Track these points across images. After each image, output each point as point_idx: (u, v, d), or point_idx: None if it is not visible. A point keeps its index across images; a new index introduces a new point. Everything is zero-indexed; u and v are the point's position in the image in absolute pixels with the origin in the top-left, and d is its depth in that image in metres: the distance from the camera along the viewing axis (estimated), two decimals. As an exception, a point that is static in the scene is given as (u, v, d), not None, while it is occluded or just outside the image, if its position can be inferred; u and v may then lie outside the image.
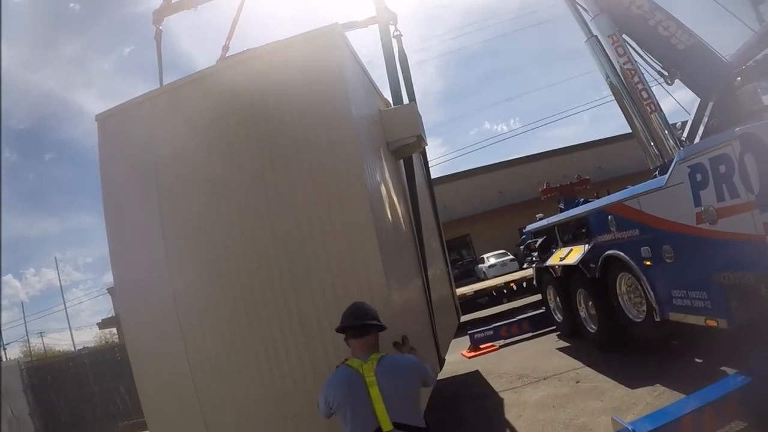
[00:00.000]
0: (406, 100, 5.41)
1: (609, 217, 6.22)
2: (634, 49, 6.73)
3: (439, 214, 8.03)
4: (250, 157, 3.84)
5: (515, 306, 13.00)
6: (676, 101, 7.06)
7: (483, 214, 27.44)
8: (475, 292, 13.57)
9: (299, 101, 3.76)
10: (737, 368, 4.31)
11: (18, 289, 74.81)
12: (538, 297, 10.51)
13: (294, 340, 3.66)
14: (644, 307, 5.91)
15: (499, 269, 21.97)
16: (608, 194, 6.93)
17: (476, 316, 12.91)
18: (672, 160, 5.15)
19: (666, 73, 6.65)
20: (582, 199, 8.71)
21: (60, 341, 50.06)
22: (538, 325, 9.79)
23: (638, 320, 6.15)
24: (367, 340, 2.83)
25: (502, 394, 6.59)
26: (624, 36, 6.69)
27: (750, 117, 5.41)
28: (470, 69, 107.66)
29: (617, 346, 6.86)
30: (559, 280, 8.48)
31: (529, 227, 9.74)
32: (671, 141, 6.29)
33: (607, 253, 6.34)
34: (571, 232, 7.89)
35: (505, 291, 13.25)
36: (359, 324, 2.84)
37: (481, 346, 9.65)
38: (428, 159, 7.66)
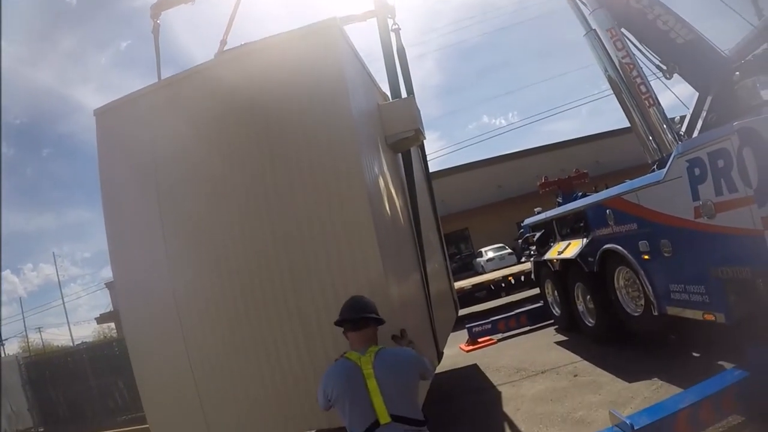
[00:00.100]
0: (404, 94, 5.38)
1: (607, 211, 6.22)
2: (632, 43, 6.71)
3: (437, 208, 8.03)
4: (250, 156, 3.83)
5: (513, 300, 13.05)
6: (675, 95, 7.07)
7: (481, 207, 27.44)
8: (473, 285, 13.62)
9: (299, 99, 3.74)
10: (734, 362, 4.34)
11: (16, 285, 74.93)
12: (536, 291, 10.55)
13: (294, 339, 3.67)
14: (642, 301, 5.94)
15: (497, 263, 22.00)
16: (606, 188, 6.93)
17: (474, 310, 12.96)
18: (670, 154, 5.15)
19: (665, 68, 6.65)
20: (580, 193, 8.70)
21: (58, 336, 50.25)
22: (536, 318, 9.82)
23: (636, 314, 6.18)
24: (366, 333, 2.82)
25: (500, 388, 6.62)
26: (623, 30, 6.68)
27: (749, 111, 5.43)
28: (469, 63, 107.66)
29: (615, 340, 6.89)
30: (557, 274, 8.50)
31: (528, 221, 9.74)
32: (670, 135, 6.30)
33: (605, 247, 6.35)
34: (569, 226, 7.89)
35: (503, 285, 13.31)
36: (358, 317, 2.83)
37: (479, 340, 9.68)
38: (426, 153, 7.65)
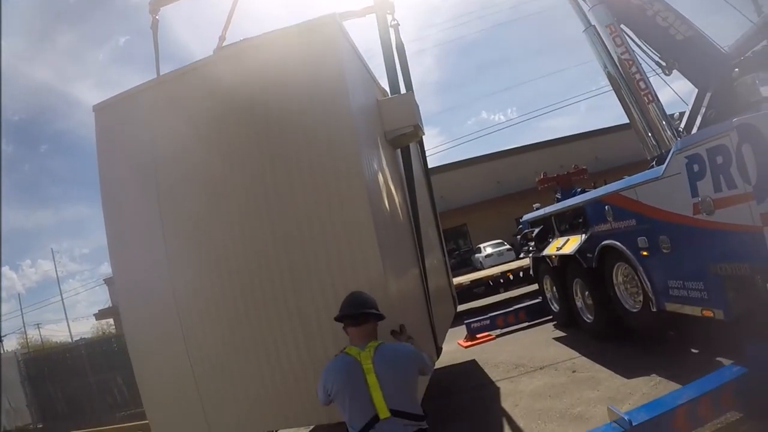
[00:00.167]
0: (403, 90, 5.37)
1: (606, 207, 6.22)
2: (632, 39, 6.70)
3: (436, 204, 8.03)
4: (250, 155, 3.81)
5: (512, 296, 13.07)
6: (674, 92, 7.08)
7: (480, 203, 27.44)
8: (471, 281, 13.61)
9: (298, 99, 3.72)
10: (733, 359, 4.35)
11: (15, 281, 74.78)
12: (534, 287, 10.57)
13: (294, 339, 3.67)
14: (641, 298, 5.95)
15: (496, 259, 21.97)
16: (605, 184, 6.93)
17: (473, 306, 12.98)
18: (669, 150, 5.14)
19: (664, 64, 6.63)
20: (579, 189, 8.70)
21: (57, 332, 50.13)
22: (535, 314, 9.84)
23: (635, 310, 6.19)
24: (365, 328, 2.82)
25: (498, 384, 6.63)
26: (622, 26, 6.66)
27: (748, 108, 5.41)
28: (467, 59, 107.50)
29: (613, 336, 6.91)
30: (555, 270, 8.51)
31: (526, 217, 9.73)
32: (669, 131, 6.29)
33: (603, 243, 6.35)
34: (567, 222, 7.90)
35: (501, 281, 13.29)
36: (358, 312, 2.83)
37: (478, 336, 9.69)
38: (425, 148, 7.63)
